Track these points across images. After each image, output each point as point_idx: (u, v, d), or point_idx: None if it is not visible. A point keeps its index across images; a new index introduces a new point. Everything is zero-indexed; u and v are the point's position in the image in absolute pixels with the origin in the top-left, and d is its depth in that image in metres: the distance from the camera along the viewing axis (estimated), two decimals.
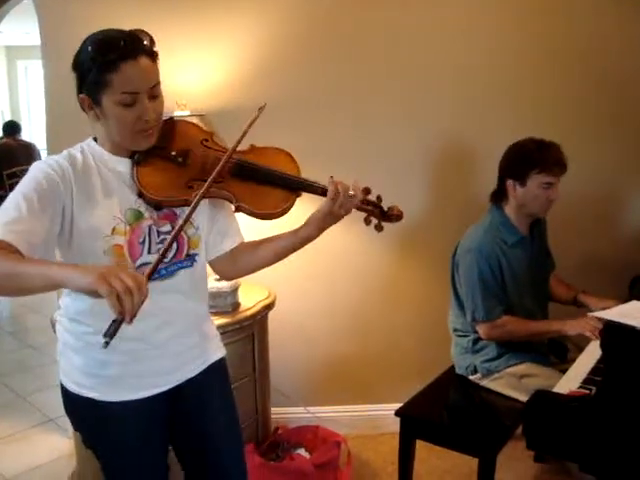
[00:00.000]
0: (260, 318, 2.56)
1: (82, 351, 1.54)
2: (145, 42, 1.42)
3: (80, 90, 1.44)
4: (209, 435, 1.69)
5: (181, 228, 1.39)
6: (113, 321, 1.14)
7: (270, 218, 1.58)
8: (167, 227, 1.54)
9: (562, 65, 2.85)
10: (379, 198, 1.62)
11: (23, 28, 7.50)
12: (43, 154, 6.27)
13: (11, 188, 1.44)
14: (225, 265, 1.71)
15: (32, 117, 9.80)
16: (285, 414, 2.99)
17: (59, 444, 3.06)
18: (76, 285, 1.15)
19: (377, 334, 3.02)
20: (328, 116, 2.79)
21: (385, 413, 2.80)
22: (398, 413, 2.31)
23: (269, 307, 2.61)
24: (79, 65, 1.42)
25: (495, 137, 2.49)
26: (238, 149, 1.55)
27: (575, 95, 2.87)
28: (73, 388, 1.57)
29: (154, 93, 1.44)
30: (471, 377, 2.45)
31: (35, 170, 1.41)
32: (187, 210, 1.41)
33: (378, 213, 1.61)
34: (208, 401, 1.69)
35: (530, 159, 2.29)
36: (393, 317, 3.00)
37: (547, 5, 2.81)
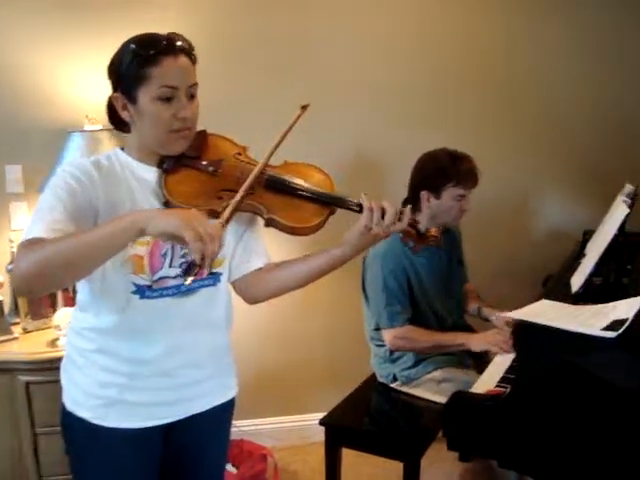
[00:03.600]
0: None
1: (83, 368, 1.46)
2: (185, 44, 1.41)
3: (115, 89, 1.40)
4: (198, 476, 1.61)
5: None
6: (191, 263, 1.17)
7: (302, 233, 1.49)
8: None
9: (475, 78, 2.95)
10: (415, 220, 1.53)
11: None
12: None
13: None
14: (250, 286, 1.59)
15: None
16: None
17: None
18: (160, 229, 1.17)
19: (298, 344, 3.02)
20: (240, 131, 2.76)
21: (311, 423, 2.79)
22: (322, 422, 2.30)
23: None
24: (117, 64, 1.39)
25: (406, 148, 2.52)
26: (272, 164, 1.50)
27: (490, 108, 2.98)
28: (69, 406, 1.48)
29: (192, 92, 1.41)
30: (392, 385, 2.47)
31: (63, 173, 1.36)
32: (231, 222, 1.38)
33: (415, 235, 1.52)
34: (206, 446, 1.59)
35: (446, 173, 2.32)
36: (313, 326, 3.01)
37: (461, 21, 2.91)
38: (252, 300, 1.64)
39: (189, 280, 1.23)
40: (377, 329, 2.38)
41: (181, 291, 1.44)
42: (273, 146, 1.49)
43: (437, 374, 2.37)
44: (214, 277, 1.50)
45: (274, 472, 2.64)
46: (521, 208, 3.16)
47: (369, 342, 2.54)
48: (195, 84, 1.41)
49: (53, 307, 2.54)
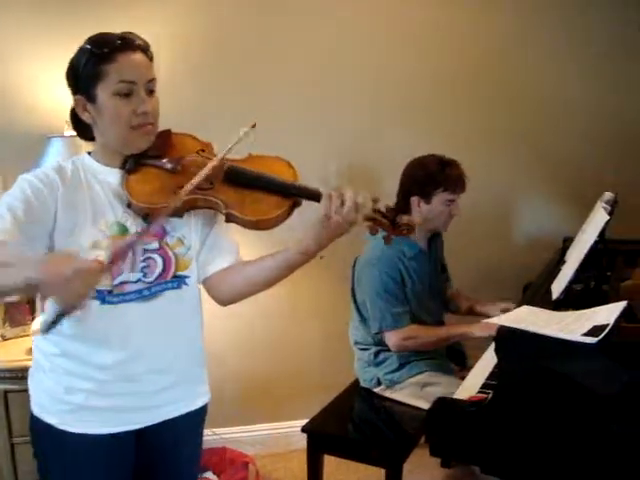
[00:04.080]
0: None
1: (48, 372, 1.45)
2: (140, 41, 1.42)
3: (75, 91, 1.41)
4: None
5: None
6: (59, 312, 1.13)
7: (263, 227, 1.44)
8: (154, 244, 1.44)
9: (459, 83, 2.97)
10: (387, 208, 1.47)
11: None
12: None
13: None
14: (218, 286, 1.55)
15: None
16: None
17: None
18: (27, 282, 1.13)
19: (280, 351, 3.00)
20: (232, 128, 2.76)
21: (293, 430, 2.78)
22: (304, 429, 2.30)
23: None
24: (74, 67, 1.40)
25: (394, 153, 2.55)
26: (235, 158, 1.49)
27: (469, 116, 3.00)
28: (36, 412, 1.47)
29: (150, 87, 1.41)
30: (375, 389, 2.47)
31: (22, 181, 1.37)
32: (193, 221, 1.41)
33: (388, 224, 1.46)
34: (177, 452, 1.57)
35: (435, 178, 2.37)
36: (296, 333, 3.00)
37: (444, 24, 2.93)
38: (224, 301, 1.59)
39: (47, 330, 1.17)
40: (378, 332, 2.39)
41: (143, 295, 1.43)
42: (234, 142, 1.47)
43: (421, 378, 2.39)
44: (178, 280, 1.48)
45: (256, 479, 2.62)
46: (501, 215, 3.18)
47: (353, 347, 2.55)
48: (153, 79, 1.42)
49: (32, 314, 2.51)
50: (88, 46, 1.38)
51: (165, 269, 1.45)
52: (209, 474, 2.57)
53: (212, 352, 2.86)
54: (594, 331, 1.65)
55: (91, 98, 1.39)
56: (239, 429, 3.02)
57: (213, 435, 2.92)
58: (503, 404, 1.60)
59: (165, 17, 2.64)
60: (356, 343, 2.52)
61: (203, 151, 1.51)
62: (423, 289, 2.47)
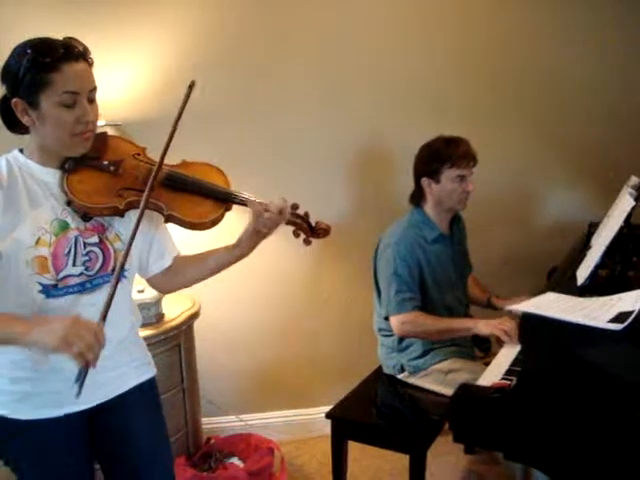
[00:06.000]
0: (186, 328, 2.52)
1: None
2: (81, 48, 1.43)
3: (13, 95, 1.40)
4: (134, 453, 1.64)
5: (134, 233, 1.44)
6: (80, 371, 1.30)
7: (200, 228, 1.58)
8: (94, 238, 1.51)
9: (482, 69, 2.94)
10: (306, 214, 1.66)
11: None
12: None
13: None
14: (163, 279, 1.71)
15: None
16: (217, 424, 2.95)
17: None
18: (42, 350, 1.31)
19: (304, 338, 3.02)
20: (248, 124, 2.76)
21: (317, 416, 2.81)
22: (328, 415, 2.31)
23: (194, 316, 2.58)
24: (14, 69, 1.39)
25: (412, 138, 2.54)
26: (170, 163, 1.59)
27: (496, 101, 2.97)
28: None
29: (92, 97, 1.45)
30: (399, 376, 2.47)
31: None
32: (132, 219, 1.47)
33: (306, 228, 1.66)
34: (132, 420, 1.64)
35: (440, 155, 2.36)
36: (319, 320, 3.01)
37: (455, 7, 2.88)
38: (165, 291, 1.90)
39: (80, 390, 1.31)
40: (386, 317, 2.39)
41: (85, 288, 1.49)
42: (167, 140, 1.52)
43: (445, 365, 2.38)
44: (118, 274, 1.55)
45: (281, 465, 2.65)
46: (526, 200, 3.15)
47: (377, 333, 2.55)
48: (95, 88, 1.45)
49: None
50: (30, 51, 1.37)
51: (105, 262, 1.52)
52: (235, 460, 2.61)
53: (239, 341, 2.94)
54: (620, 317, 1.64)
55: (33, 105, 1.39)
56: (264, 415, 3.05)
57: (239, 421, 2.96)
58: (527, 391, 1.60)
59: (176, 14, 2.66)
60: (380, 330, 2.52)
61: (139, 154, 1.60)
62: (445, 274, 2.45)
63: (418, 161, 2.45)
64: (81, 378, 1.29)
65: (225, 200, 1.59)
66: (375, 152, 2.94)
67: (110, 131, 1.89)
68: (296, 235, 1.67)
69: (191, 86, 1.53)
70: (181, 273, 1.70)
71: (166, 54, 2.64)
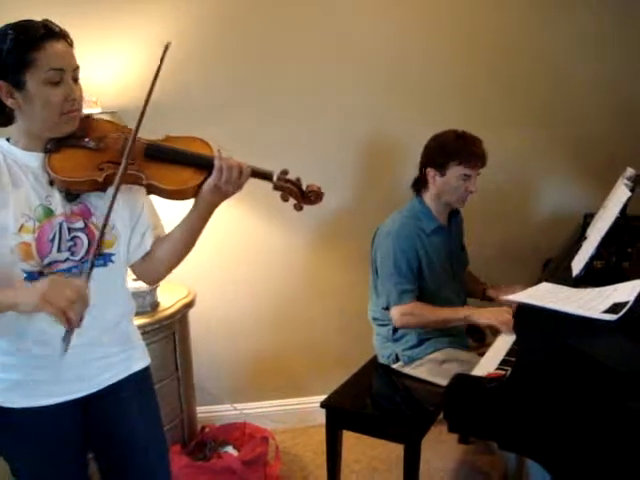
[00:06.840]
0: (180, 317, 2.52)
1: None
2: (60, 29, 1.43)
3: None
4: (129, 441, 1.64)
5: (112, 204, 1.40)
6: (66, 331, 1.27)
7: (181, 197, 1.56)
8: (80, 223, 1.49)
9: (481, 64, 2.93)
10: (298, 179, 1.62)
11: None
12: None
13: None
14: (145, 265, 1.66)
15: None
16: (212, 412, 2.96)
17: None
18: (23, 311, 1.29)
19: (300, 327, 3.02)
20: (246, 111, 2.75)
21: (312, 406, 2.81)
22: (323, 405, 2.32)
23: (189, 305, 2.58)
24: None
25: (415, 128, 2.53)
26: (154, 138, 1.58)
27: (493, 93, 2.97)
28: None
29: (75, 76, 1.45)
30: (393, 365, 2.48)
31: None
32: (108, 195, 1.43)
33: (297, 192, 1.61)
34: (126, 409, 1.63)
35: (450, 151, 2.35)
36: (315, 309, 3.01)
37: (460, 4, 2.88)
38: (150, 280, 1.75)
39: (67, 348, 1.29)
40: (386, 308, 2.40)
41: (72, 273, 1.47)
42: (143, 105, 1.52)
43: (439, 355, 2.39)
44: (104, 257, 1.53)
45: (275, 454, 2.65)
46: (522, 191, 3.15)
47: (371, 322, 2.56)
48: (77, 67, 1.45)
49: None
50: (10, 31, 1.36)
51: (90, 247, 1.50)
52: (229, 448, 2.61)
53: (234, 330, 2.94)
54: (614, 308, 1.65)
55: (19, 86, 1.38)
56: (259, 404, 3.05)
57: (234, 410, 2.96)
58: (522, 381, 1.60)
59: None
60: (375, 319, 2.53)
61: (122, 133, 1.57)
62: (442, 266, 2.45)
63: (427, 149, 2.44)
64: (67, 338, 1.27)
65: (202, 166, 1.56)
66: (376, 142, 2.93)
67: (106, 118, 1.89)
68: (284, 199, 1.61)
69: (167, 47, 1.55)
70: (156, 256, 1.65)
71: (162, 41, 2.61)
